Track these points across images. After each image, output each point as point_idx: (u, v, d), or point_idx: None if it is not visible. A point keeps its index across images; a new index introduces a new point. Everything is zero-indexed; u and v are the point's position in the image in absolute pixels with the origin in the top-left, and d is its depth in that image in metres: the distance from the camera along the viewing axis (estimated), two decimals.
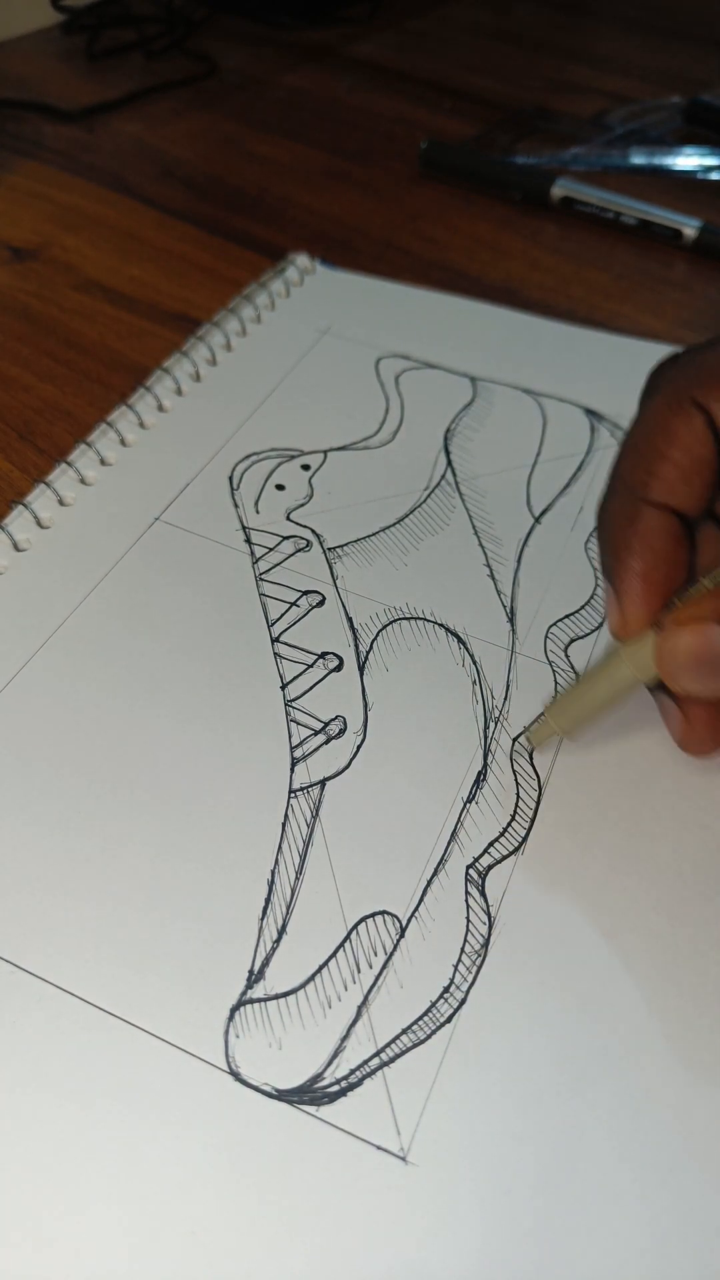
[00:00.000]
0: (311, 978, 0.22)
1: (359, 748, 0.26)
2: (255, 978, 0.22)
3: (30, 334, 0.40)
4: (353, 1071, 0.20)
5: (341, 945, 0.22)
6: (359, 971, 0.22)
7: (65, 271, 0.43)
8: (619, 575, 0.23)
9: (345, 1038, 0.21)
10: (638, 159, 0.55)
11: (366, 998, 0.21)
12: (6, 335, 0.39)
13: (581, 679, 0.25)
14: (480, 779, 0.26)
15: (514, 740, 0.27)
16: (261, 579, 0.30)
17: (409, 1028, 0.21)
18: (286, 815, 0.24)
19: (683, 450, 0.22)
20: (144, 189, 0.50)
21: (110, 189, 0.50)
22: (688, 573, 0.23)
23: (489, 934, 0.23)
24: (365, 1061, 0.20)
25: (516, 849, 0.24)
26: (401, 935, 0.22)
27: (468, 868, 0.24)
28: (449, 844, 0.24)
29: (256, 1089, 0.20)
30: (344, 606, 0.29)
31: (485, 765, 0.26)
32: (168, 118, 0.57)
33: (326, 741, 0.26)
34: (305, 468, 0.34)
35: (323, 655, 0.28)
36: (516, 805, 0.25)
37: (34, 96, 0.57)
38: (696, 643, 0.21)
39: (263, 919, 0.22)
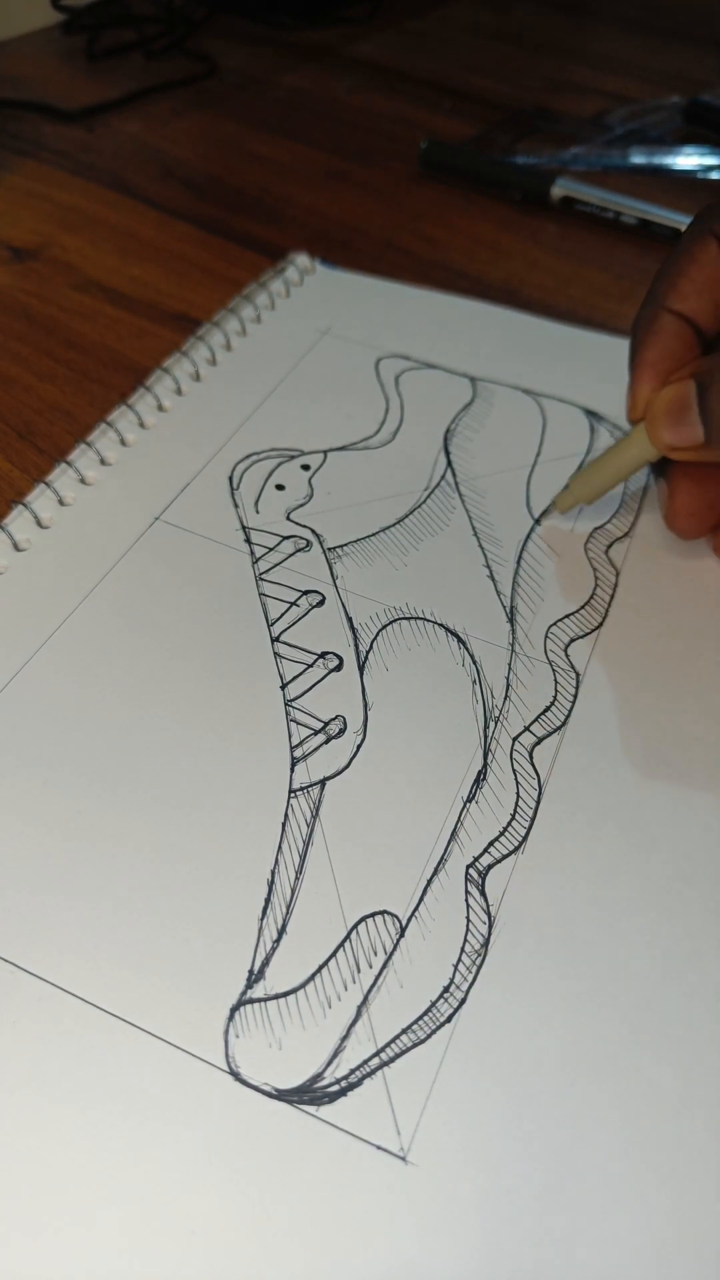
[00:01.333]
0: (311, 977, 0.22)
1: (359, 747, 0.26)
2: (255, 977, 0.22)
3: (30, 334, 0.40)
4: (353, 1071, 0.20)
5: (341, 945, 0.22)
6: (359, 971, 0.22)
7: (65, 271, 0.43)
8: (635, 366, 0.28)
9: (345, 1037, 0.21)
10: (638, 159, 0.55)
11: (366, 997, 0.21)
12: (6, 335, 0.39)
13: (599, 457, 0.30)
14: (480, 778, 0.26)
15: (513, 739, 0.27)
16: (261, 579, 0.30)
17: (409, 1027, 0.21)
18: (286, 815, 0.24)
19: (698, 268, 0.28)
20: (144, 189, 0.50)
21: (110, 189, 0.50)
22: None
23: (489, 934, 0.23)
24: (365, 1061, 0.21)
25: (516, 848, 0.24)
26: (401, 935, 0.22)
27: (468, 867, 0.24)
28: (449, 843, 0.24)
29: (256, 1089, 0.20)
30: (344, 606, 0.29)
31: (485, 765, 0.26)
32: (168, 118, 0.57)
33: (326, 741, 0.26)
34: (305, 468, 0.34)
35: (323, 655, 0.28)
36: (516, 805, 0.25)
37: (34, 96, 0.57)
38: (674, 393, 0.27)
39: (262, 919, 0.22)
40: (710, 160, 0.55)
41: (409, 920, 0.23)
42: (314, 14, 0.70)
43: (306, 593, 0.30)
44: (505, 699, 0.27)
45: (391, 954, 0.22)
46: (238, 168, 0.53)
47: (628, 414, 0.29)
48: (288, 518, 0.32)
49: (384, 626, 0.29)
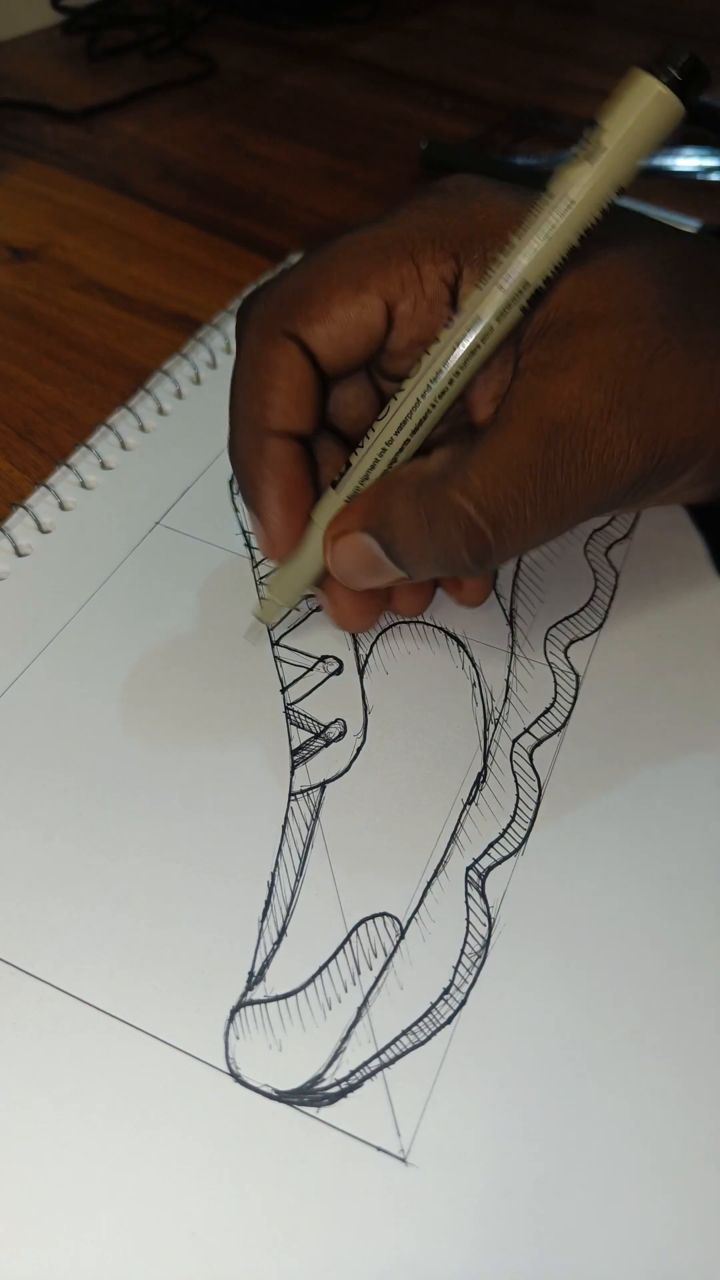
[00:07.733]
0: (312, 979, 0.22)
1: (359, 750, 0.26)
2: (255, 979, 0.22)
3: (30, 334, 0.40)
4: (353, 1073, 0.20)
5: (341, 947, 0.22)
6: (359, 973, 0.22)
7: (65, 271, 0.43)
8: (261, 506, 0.25)
9: (345, 1039, 0.21)
10: None
11: (366, 999, 0.21)
12: (6, 335, 0.39)
13: (287, 567, 0.26)
14: (480, 780, 0.26)
15: (513, 741, 0.27)
16: (262, 583, 0.30)
17: (409, 1029, 0.21)
18: (286, 818, 0.24)
19: (286, 378, 0.24)
20: (144, 189, 0.50)
21: (110, 189, 0.50)
22: (314, 486, 0.26)
23: (489, 935, 0.23)
24: (365, 1063, 0.21)
25: (516, 850, 0.24)
26: (401, 937, 0.23)
27: (468, 869, 0.24)
28: (449, 845, 0.24)
29: (257, 1090, 0.20)
30: None
31: (485, 767, 0.26)
32: (168, 118, 0.57)
33: (326, 744, 0.26)
34: None
35: (323, 659, 0.28)
36: (516, 806, 0.25)
37: (34, 96, 0.57)
38: (356, 552, 0.24)
39: (263, 921, 0.23)
40: (710, 161, 0.55)
41: (409, 922, 0.23)
42: (314, 14, 0.70)
43: (307, 596, 0.30)
44: (505, 701, 0.28)
45: (391, 956, 0.22)
46: (237, 168, 0.53)
47: (266, 552, 0.26)
48: None
49: (384, 630, 0.29)
